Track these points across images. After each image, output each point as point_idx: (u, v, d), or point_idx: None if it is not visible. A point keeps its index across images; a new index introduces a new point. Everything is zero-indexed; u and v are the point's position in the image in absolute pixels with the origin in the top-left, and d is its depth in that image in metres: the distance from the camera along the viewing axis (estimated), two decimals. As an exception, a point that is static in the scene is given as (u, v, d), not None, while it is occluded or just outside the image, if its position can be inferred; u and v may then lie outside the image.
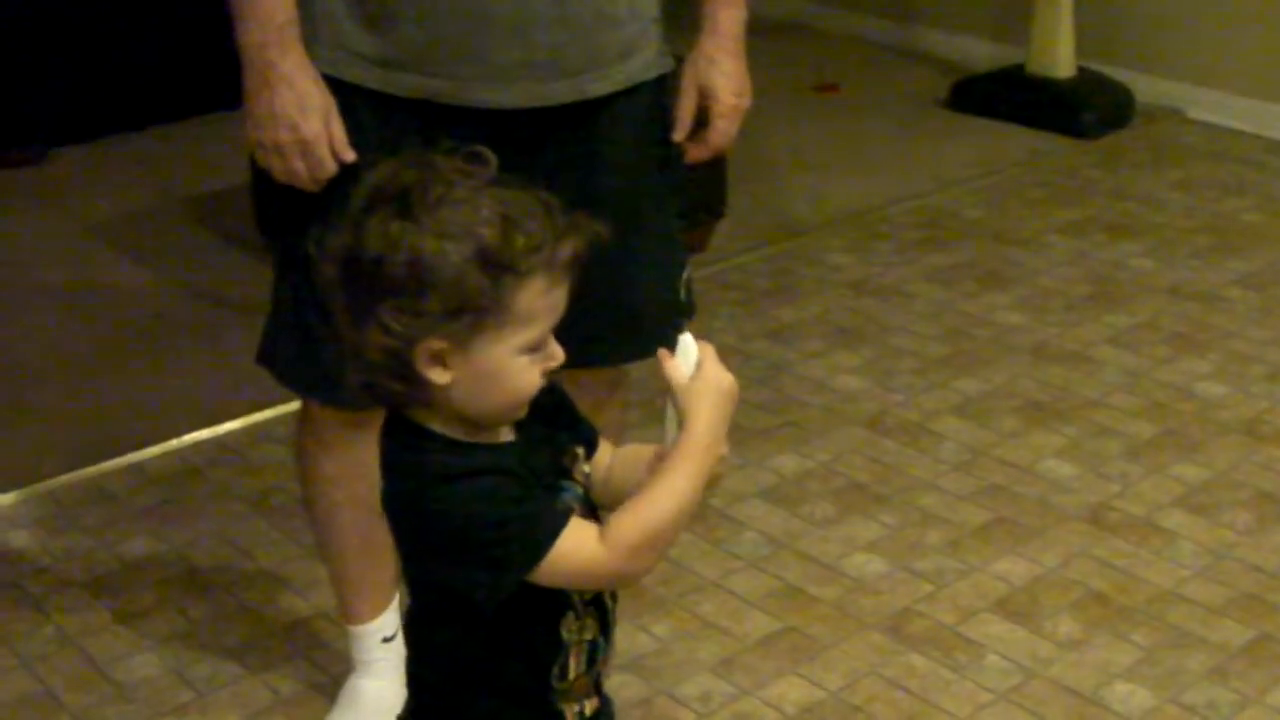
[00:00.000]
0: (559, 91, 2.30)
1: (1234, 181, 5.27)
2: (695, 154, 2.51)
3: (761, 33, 3.30)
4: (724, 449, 1.71)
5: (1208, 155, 5.53)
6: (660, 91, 2.48)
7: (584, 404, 2.52)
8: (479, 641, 1.77)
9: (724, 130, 2.48)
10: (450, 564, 1.67)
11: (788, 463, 3.57)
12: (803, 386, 3.90)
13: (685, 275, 2.59)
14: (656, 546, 1.68)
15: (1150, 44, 6.01)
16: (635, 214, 2.47)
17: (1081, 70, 5.89)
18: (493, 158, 1.71)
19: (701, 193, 4.51)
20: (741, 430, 3.61)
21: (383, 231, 1.61)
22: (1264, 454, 3.59)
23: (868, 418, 3.77)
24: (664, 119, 2.49)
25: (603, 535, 1.66)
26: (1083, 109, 5.73)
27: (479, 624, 1.74)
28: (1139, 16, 6.01)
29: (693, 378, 1.71)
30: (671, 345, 1.75)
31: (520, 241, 1.61)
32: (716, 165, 4.45)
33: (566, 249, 1.65)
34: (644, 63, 2.40)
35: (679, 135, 2.48)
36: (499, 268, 1.59)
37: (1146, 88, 5.94)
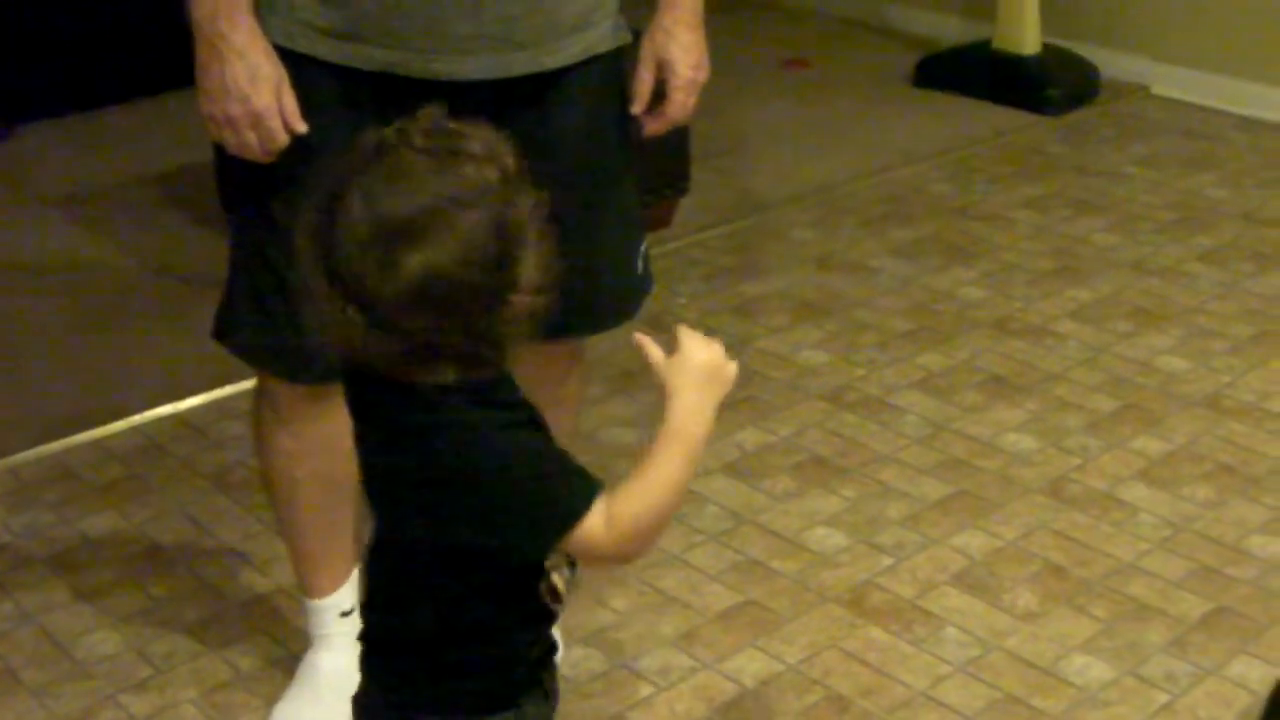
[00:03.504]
0: (515, 64, 2.30)
1: (1198, 157, 5.28)
2: (653, 127, 2.51)
3: (730, 8, 3.30)
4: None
5: (1172, 131, 5.54)
6: (618, 64, 2.48)
7: (545, 376, 2.55)
8: (476, 609, 1.76)
9: (681, 103, 2.47)
10: (488, 526, 1.66)
11: (749, 437, 3.57)
12: (765, 361, 3.90)
13: (643, 249, 2.59)
14: (656, 529, 1.70)
15: (1115, 20, 6.02)
16: (594, 187, 2.47)
17: (1047, 46, 5.89)
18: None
19: (665, 168, 4.51)
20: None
21: (470, 237, 1.58)
22: (1225, 428, 3.61)
23: (830, 392, 3.78)
24: (622, 92, 2.49)
25: (603, 512, 1.66)
26: (1048, 85, 5.74)
27: (485, 592, 1.74)
28: (1104, -8, 6.03)
29: (671, 357, 1.73)
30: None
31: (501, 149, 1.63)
32: (680, 140, 4.45)
33: None
34: (600, 35, 2.40)
35: (637, 108, 2.48)
36: (514, 186, 1.62)
37: (1111, 64, 5.95)
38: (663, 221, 4.61)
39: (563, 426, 2.81)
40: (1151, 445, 3.54)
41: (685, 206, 4.74)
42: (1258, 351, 3.95)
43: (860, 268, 4.48)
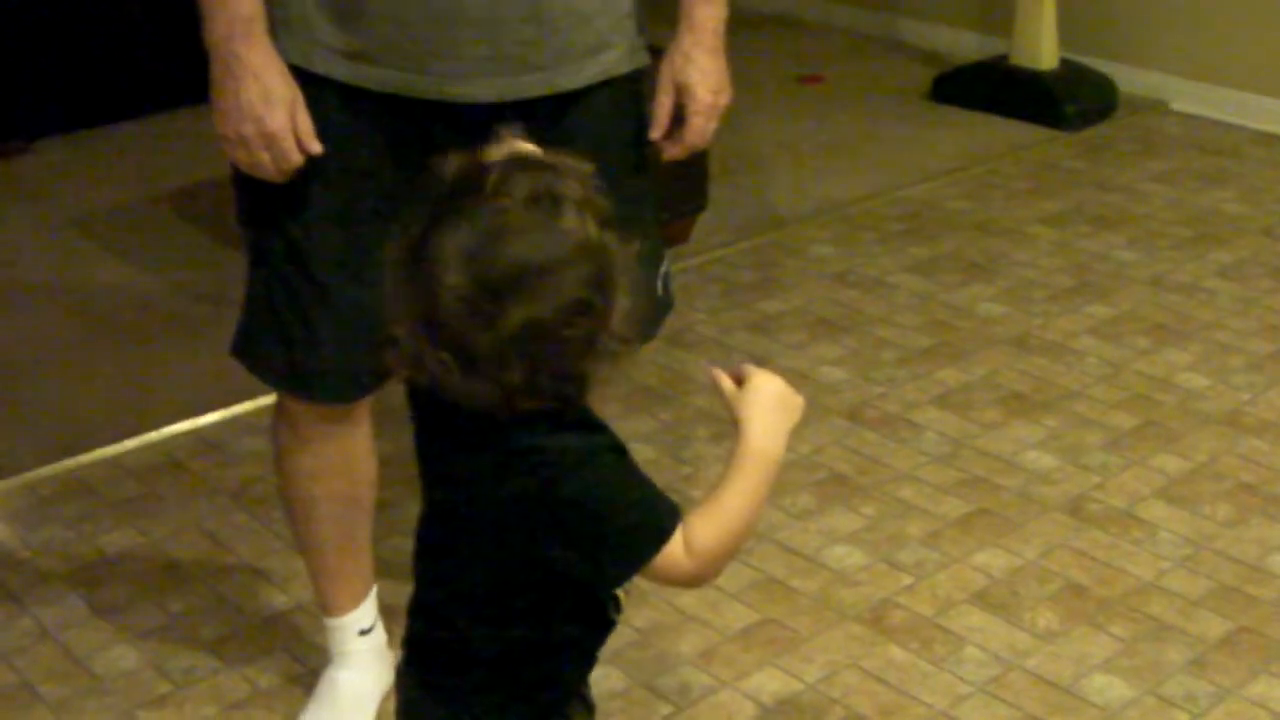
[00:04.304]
0: (529, 85, 2.29)
1: (1216, 173, 5.28)
2: (672, 152, 2.48)
3: (745, 25, 3.29)
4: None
5: (1191, 147, 5.54)
6: (636, 87, 2.47)
7: None
8: (541, 627, 1.78)
9: (700, 128, 2.45)
10: (570, 554, 1.68)
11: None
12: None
13: (663, 269, 2.59)
14: (732, 552, 1.73)
15: (1133, 36, 6.01)
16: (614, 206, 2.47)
17: (1065, 62, 5.89)
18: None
19: (683, 186, 4.50)
20: (722, 422, 3.60)
21: (558, 290, 1.59)
22: (1245, 445, 3.60)
23: (849, 409, 3.77)
24: (640, 115, 2.47)
25: (683, 539, 1.69)
26: (1066, 101, 5.73)
27: (553, 612, 1.76)
28: (1122, 8, 6.02)
29: (742, 389, 1.76)
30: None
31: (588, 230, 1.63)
32: (698, 159, 4.45)
33: None
34: (617, 58, 2.38)
35: (655, 133, 2.45)
36: (602, 256, 1.62)
37: (1130, 79, 5.95)
38: (680, 238, 4.61)
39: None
40: (1171, 463, 3.53)
41: (703, 223, 4.74)
42: (1277, 368, 3.94)
43: (879, 284, 4.48)
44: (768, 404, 1.75)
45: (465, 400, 1.65)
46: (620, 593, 1.80)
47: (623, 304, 1.64)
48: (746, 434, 1.74)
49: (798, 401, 1.79)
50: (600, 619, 1.82)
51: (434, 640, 1.87)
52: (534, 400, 1.63)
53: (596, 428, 1.70)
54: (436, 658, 1.87)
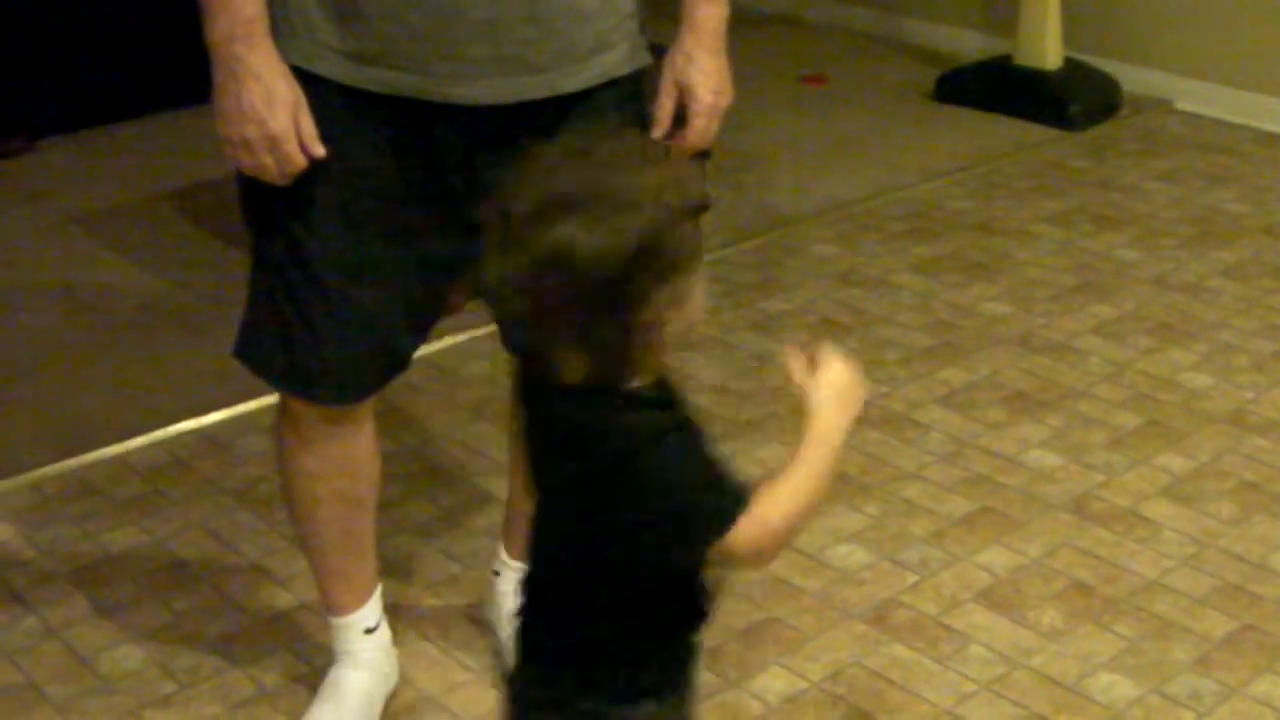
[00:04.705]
0: (531, 87, 2.29)
1: (1220, 172, 5.28)
2: (676, 151, 2.49)
3: (747, 24, 3.29)
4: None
5: (1194, 146, 5.54)
6: (637, 88, 2.46)
7: None
8: (632, 610, 1.81)
9: (702, 129, 2.45)
10: (645, 532, 1.71)
11: (772, 454, 3.56)
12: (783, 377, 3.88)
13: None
14: (796, 533, 1.77)
15: (1137, 35, 6.01)
16: None
17: (1068, 61, 5.89)
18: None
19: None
20: (726, 421, 3.62)
21: (621, 229, 1.62)
22: (1249, 444, 3.60)
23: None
24: (641, 116, 2.46)
25: (750, 517, 1.70)
26: (1070, 100, 5.73)
27: (654, 606, 1.80)
28: (1126, 7, 6.02)
29: (814, 373, 1.80)
30: None
31: (685, 188, 1.68)
32: (700, 159, 4.44)
33: None
34: (618, 58, 2.38)
35: (657, 134, 2.44)
36: (691, 216, 1.67)
37: (1133, 79, 5.95)
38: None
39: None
40: (1175, 462, 3.53)
41: (705, 223, 4.72)
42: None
43: (882, 284, 4.47)
44: (837, 392, 1.79)
45: (556, 360, 1.69)
46: (709, 583, 1.83)
47: (694, 283, 1.69)
48: (816, 421, 1.77)
49: (860, 394, 1.83)
50: (690, 610, 1.85)
51: (537, 621, 1.90)
52: (614, 365, 1.67)
53: (670, 405, 1.73)
54: (540, 638, 1.90)
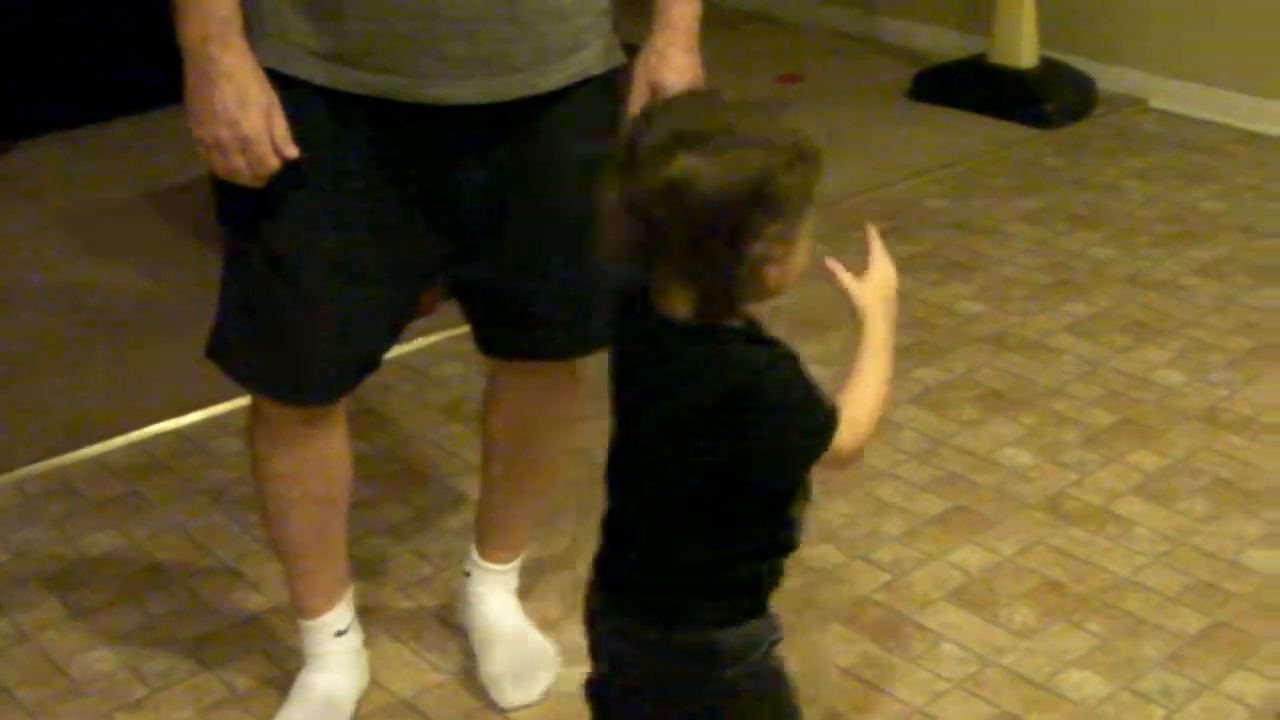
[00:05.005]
0: (508, 87, 2.29)
1: (1195, 171, 5.29)
2: None
3: (722, 22, 3.29)
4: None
5: (1169, 144, 5.55)
6: (612, 85, 2.46)
7: (546, 397, 2.65)
8: (739, 535, 1.92)
9: None
10: (771, 446, 1.83)
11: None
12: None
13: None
14: (875, 432, 1.90)
15: (1112, 34, 6.02)
16: (587, 210, 2.46)
17: (1044, 60, 5.90)
18: None
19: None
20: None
21: (741, 162, 1.73)
22: (1222, 442, 3.61)
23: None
24: (617, 114, 2.45)
25: (845, 425, 1.85)
26: (1045, 99, 5.75)
27: (748, 516, 1.90)
28: (1101, 6, 6.03)
29: (863, 280, 1.96)
30: None
31: (804, 137, 1.80)
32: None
33: None
34: (593, 55, 2.38)
35: None
36: (807, 164, 1.79)
37: (1109, 77, 5.96)
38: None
39: (561, 444, 2.82)
40: (1148, 460, 3.54)
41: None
42: (1255, 365, 3.95)
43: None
44: (886, 294, 1.95)
45: (647, 300, 1.82)
46: (799, 514, 1.94)
47: (801, 228, 1.80)
48: (873, 327, 1.92)
49: (896, 280, 1.99)
50: (782, 539, 1.95)
51: (627, 561, 1.99)
52: (718, 308, 1.79)
53: (774, 341, 1.84)
54: (633, 576, 1.98)
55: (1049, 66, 5.91)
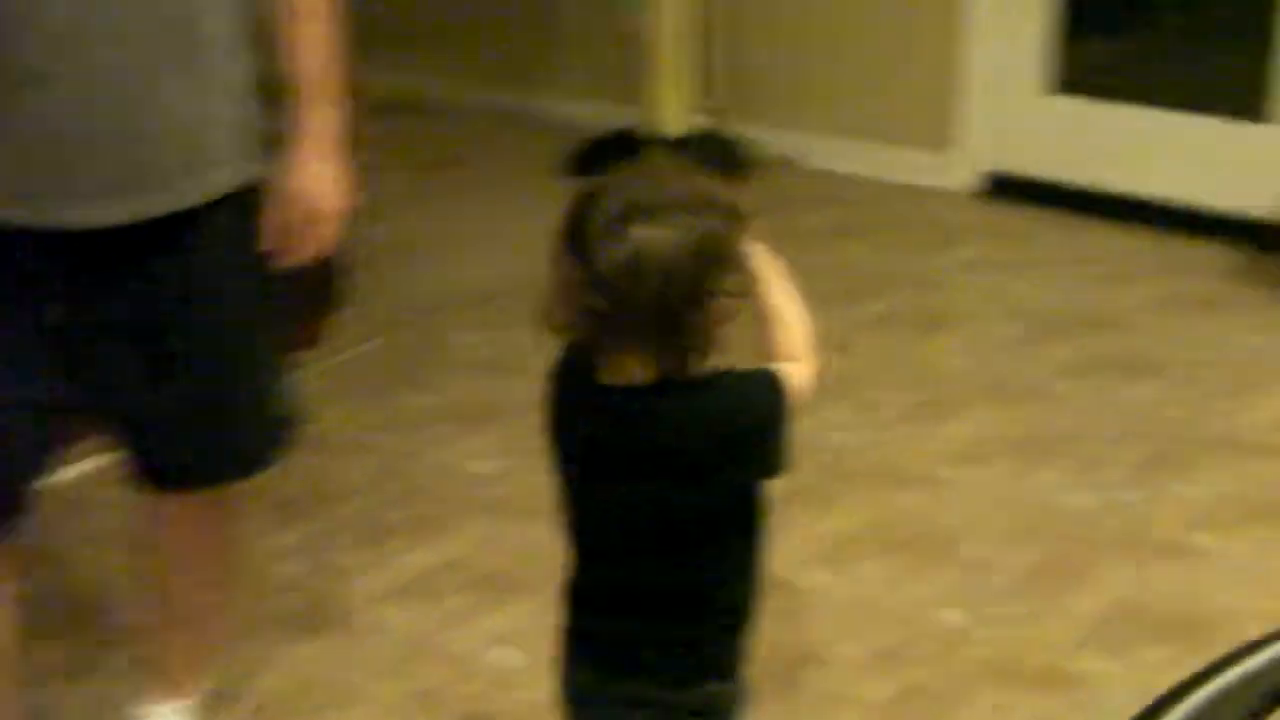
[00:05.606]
0: (147, 206, 2.21)
1: (849, 225, 5.35)
2: (288, 261, 2.42)
3: (373, 114, 3.21)
4: None
5: (823, 200, 5.61)
6: (256, 199, 2.38)
7: (197, 524, 2.53)
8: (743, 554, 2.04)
9: (319, 235, 2.41)
10: (765, 452, 1.93)
11: (417, 559, 3.42)
12: (431, 474, 3.77)
13: (289, 383, 2.50)
14: (814, 357, 2.03)
15: (762, 97, 6.11)
16: (233, 329, 2.40)
17: (696, 127, 5.95)
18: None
19: (311, 288, 4.35)
20: (371, 529, 3.49)
21: (693, 227, 1.84)
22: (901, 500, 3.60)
23: (496, 502, 3.66)
24: (258, 227, 2.39)
25: (792, 359, 1.99)
26: (696, 164, 5.75)
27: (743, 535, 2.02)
28: (750, 71, 6.11)
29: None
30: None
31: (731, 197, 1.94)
32: (325, 260, 4.31)
33: None
34: (235, 170, 2.32)
35: (269, 244, 2.38)
36: (742, 219, 1.92)
37: (762, 140, 6.02)
38: (310, 342, 4.43)
39: (216, 571, 2.68)
40: (824, 522, 3.52)
41: (342, 319, 4.58)
42: (923, 417, 3.98)
43: (529, 371, 4.36)
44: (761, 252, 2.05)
45: (618, 367, 1.90)
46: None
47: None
48: (763, 275, 2.03)
49: None
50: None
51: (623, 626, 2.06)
52: (688, 359, 1.87)
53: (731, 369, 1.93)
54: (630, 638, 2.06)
55: (700, 133, 5.96)
